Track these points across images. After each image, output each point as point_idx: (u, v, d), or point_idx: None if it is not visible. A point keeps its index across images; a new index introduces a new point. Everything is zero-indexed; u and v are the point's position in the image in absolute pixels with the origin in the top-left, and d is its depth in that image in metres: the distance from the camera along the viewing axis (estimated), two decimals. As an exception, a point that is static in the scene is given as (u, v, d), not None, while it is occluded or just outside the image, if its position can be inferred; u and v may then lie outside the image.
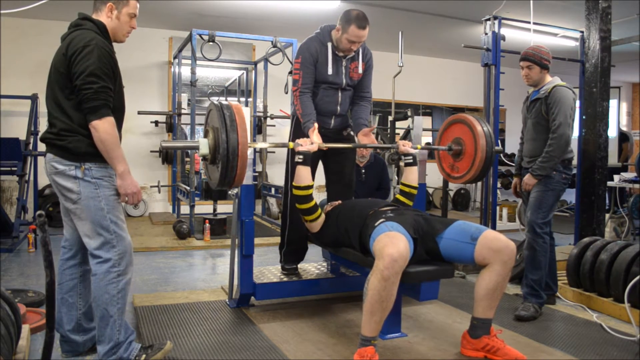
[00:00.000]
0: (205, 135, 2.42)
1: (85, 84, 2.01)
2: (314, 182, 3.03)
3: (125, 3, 2.19)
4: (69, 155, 2.08)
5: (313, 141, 2.70)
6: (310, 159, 2.70)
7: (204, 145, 2.37)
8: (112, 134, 2.05)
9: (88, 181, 2.09)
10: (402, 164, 3.17)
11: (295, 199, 2.74)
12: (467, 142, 3.00)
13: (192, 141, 2.46)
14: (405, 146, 2.91)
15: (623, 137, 7.98)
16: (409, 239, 2.25)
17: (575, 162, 4.62)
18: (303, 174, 2.67)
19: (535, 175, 3.08)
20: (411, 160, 2.92)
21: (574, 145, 4.54)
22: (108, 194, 2.13)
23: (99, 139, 2.04)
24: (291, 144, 2.72)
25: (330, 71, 2.94)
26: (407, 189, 2.91)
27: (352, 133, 3.17)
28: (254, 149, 5.67)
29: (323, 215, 2.78)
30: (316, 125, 2.82)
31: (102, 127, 2.03)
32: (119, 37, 2.24)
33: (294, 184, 2.70)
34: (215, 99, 2.39)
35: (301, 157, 2.66)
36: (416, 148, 2.97)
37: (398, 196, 2.93)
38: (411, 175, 2.92)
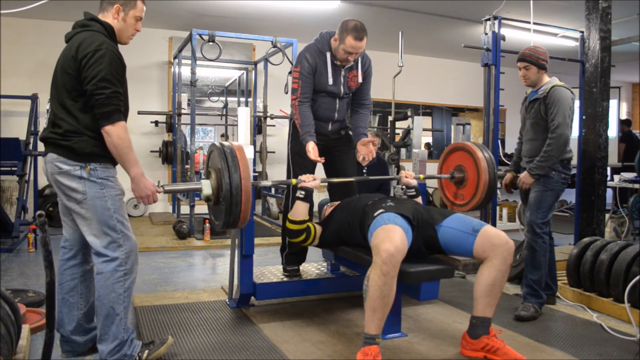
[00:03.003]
0: (207, 177, 2.41)
1: (97, 89, 2.02)
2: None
3: (132, 5, 2.20)
4: (74, 156, 2.09)
5: (315, 177, 2.69)
6: (312, 195, 2.67)
7: (206, 186, 2.36)
8: (125, 138, 2.07)
9: (94, 181, 2.10)
10: (401, 192, 3.15)
11: (288, 232, 2.72)
12: (469, 168, 3.02)
13: (194, 183, 2.48)
14: (407, 177, 2.88)
15: (626, 138, 8.02)
16: (407, 228, 2.27)
17: (575, 162, 4.64)
18: (301, 209, 2.65)
19: (533, 174, 3.09)
20: (414, 193, 2.88)
21: (574, 145, 4.56)
22: (114, 194, 2.15)
23: (112, 144, 2.06)
24: (294, 181, 2.70)
25: (329, 81, 2.94)
26: None
27: (350, 133, 3.18)
28: (254, 149, 5.68)
29: (319, 229, 2.75)
30: (314, 145, 2.84)
31: (115, 132, 2.05)
32: (123, 39, 2.25)
33: (289, 216, 2.68)
34: (216, 143, 2.40)
35: (303, 193, 2.64)
36: (419, 179, 2.96)
37: None
38: None
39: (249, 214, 2.34)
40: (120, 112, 2.08)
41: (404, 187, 2.94)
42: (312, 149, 2.84)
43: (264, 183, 2.81)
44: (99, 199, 2.11)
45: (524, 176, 3.15)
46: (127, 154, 2.09)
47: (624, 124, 8.39)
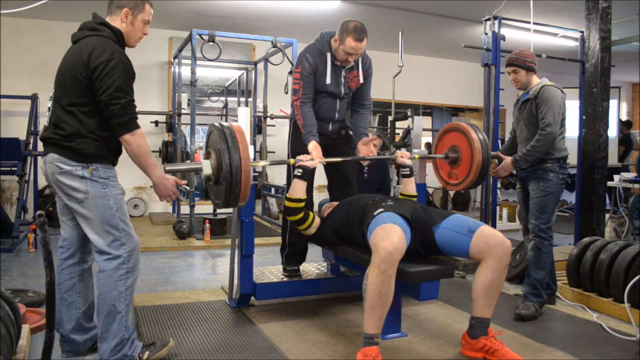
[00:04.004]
0: (208, 157, 2.46)
1: (112, 99, 2.05)
2: (315, 182, 3.06)
3: (141, 9, 2.22)
4: (77, 157, 2.11)
5: (313, 157, 2.73)
6: (309, 174, 2.71)
7: (206, 166, 2.40)
8: (143, 145, 2.13)
9: (96, 181, 2.13)
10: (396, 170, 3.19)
11: (285, 210, 2.76)
12: (463, 149, 3.05)
13: (195, 163, 2.55)
14: (403, 157, 2.92)
15: (625, 140, 8.03)
16: (406, 228, 2.27)
17: (575, 162, 4.64)
18: (298, 187, 2.68)
19: (517, 165, 3.15)
20: (408, 172, 2.92)
21: (574, 145, 4.57)
22: (115, 193, 2.18)
23: (132, 152, 2.12)
24: (292, 160, 2.76)
25: (329, 81, 2.95)
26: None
27: (350, 132, 3.18)
28: (254, 149, 5.68)
29: (317, 220, 2.78)
30: (316, 144, 2.85)
31: (134, 141, 2.10)
32: (130, 43, 2.27)
33: (287, 195, 2.72)
34: (216, 124, 2.46)
35: (300, 171, 2.68)
36: (414, 158, 2.99)
37: None
38: (409, 186, 2.92)
39: (249, 193, 2.37)
40: (136, 119, 2.12)
41: (399, 167, 2.98)
42: (313, 149, 2.84)
43: (262, 163, 2.88)
44: (102, 197, 2.13)
45: (507, 164, 3.19)
46: (147, 160, 2.15)
47: (625, 125, 8.39)
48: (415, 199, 2.90)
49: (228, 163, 2.26)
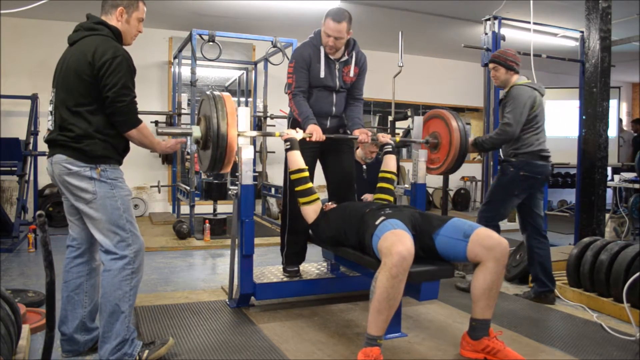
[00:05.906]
0: (198, 123, 2.65)
1: (118, 96, 2.09)
2: (313, 182, 3.06)
3: (135, 8, 2.25)
4: (85, 158, 2.13)
5: (297, 130, 2.85)
6: (297, 144, 2.82)
7: (196, 130, 2.60)
8: (147, 134, 2.24)
9: (104, 182, 2.15)
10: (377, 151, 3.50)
11: (293, 183, 2.82)
12: (442, 134, 3.20)
13: (186, 128, 2.71)
14: (384, 137, 3.13)
15: None
16: (411, 236, 2.26)
17: (575, 162, 4.64)
18: (293, 158, 2.79)
19: (474, 146, 3.27)
20: (390, 149, 3.09)
21: (574, 145, 4.57)
22: (123, 194, 2.21)
23: (139, 143, 2.24)
24: (277, 133, 2.90)
25: (322, 74, 2.98)
26: (387, 175, 3.01)
27: (348, 132, 3.19)
28: (254, 150, 5.68)
29: (319, 204, 2.82)
30: (316, 124, 2.88)
31: (137, 135, 2.19)
32: (127, 41, 2.30)
33: (290, 170, 2.82)
34: (207, 92, 2.70)
35: (288, 143, 2.81)
36: (395, 141, 3.17)
37: (380, 184, 3.00)
38: (390, 162, 3.06)
39: (233, 158, 2.56)
40: (137, 114, 2.18)
41: (382, 146, 3.15)
42: (313, 129, 2.87)
43: (250, 133, 2.94)
44: (110, 198, 2.16)
45: (469, 142, 3.26)
46: (151, 142, 2.29)
47: (637, 124, 8.47)
48: (394, 177, 3.02)
49: (216, 124, 2.46)
